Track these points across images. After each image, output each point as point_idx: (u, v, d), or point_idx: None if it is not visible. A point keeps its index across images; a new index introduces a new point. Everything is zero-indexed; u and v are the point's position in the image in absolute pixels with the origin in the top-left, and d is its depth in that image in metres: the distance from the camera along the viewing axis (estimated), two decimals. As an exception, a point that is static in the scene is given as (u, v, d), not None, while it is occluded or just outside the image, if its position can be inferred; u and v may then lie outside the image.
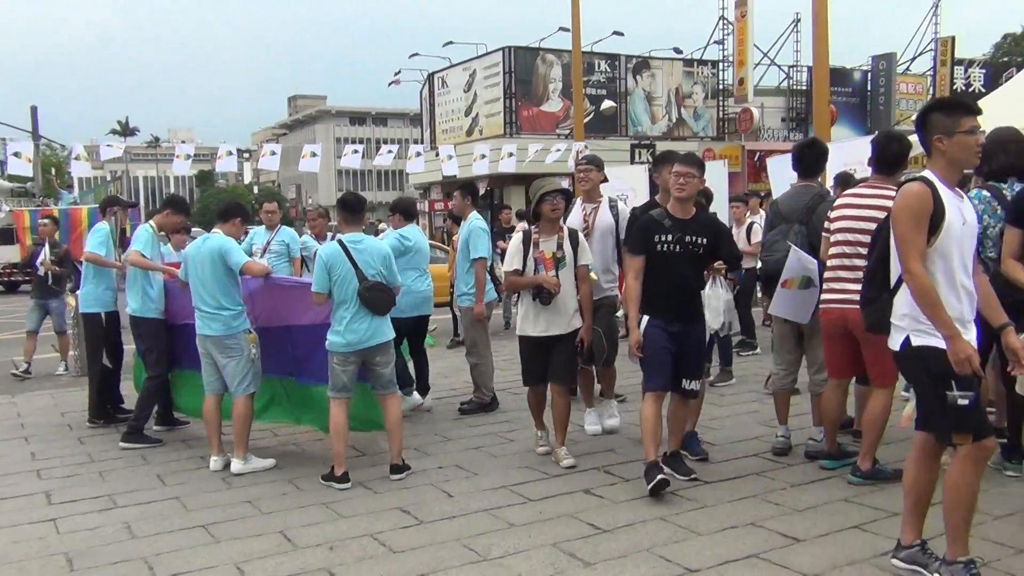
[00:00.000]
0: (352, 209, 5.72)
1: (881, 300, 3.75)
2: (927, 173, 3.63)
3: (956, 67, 38.38)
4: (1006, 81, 25.47)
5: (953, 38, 38.64)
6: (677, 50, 36.43)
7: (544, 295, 5.56)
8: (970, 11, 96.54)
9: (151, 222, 6.94)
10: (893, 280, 3.72)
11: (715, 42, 35.84)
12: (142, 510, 5.10)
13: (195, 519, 4.91)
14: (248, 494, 5.34)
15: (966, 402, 3.49)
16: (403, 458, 5.61)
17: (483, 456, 6.02)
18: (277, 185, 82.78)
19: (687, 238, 5.10)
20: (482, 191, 25.68)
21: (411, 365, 7.66)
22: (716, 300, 5.53)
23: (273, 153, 12.36)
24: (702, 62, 36.20)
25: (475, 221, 7.48)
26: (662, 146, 31.48)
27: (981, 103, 13.62)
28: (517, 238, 5.78)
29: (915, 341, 3.59)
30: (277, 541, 4.53)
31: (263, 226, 9.03)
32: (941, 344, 3.49)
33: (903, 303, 3.64)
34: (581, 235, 5.85)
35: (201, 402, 6.09)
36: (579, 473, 5.51)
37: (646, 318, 5.13)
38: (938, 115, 3.61)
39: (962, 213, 3.61)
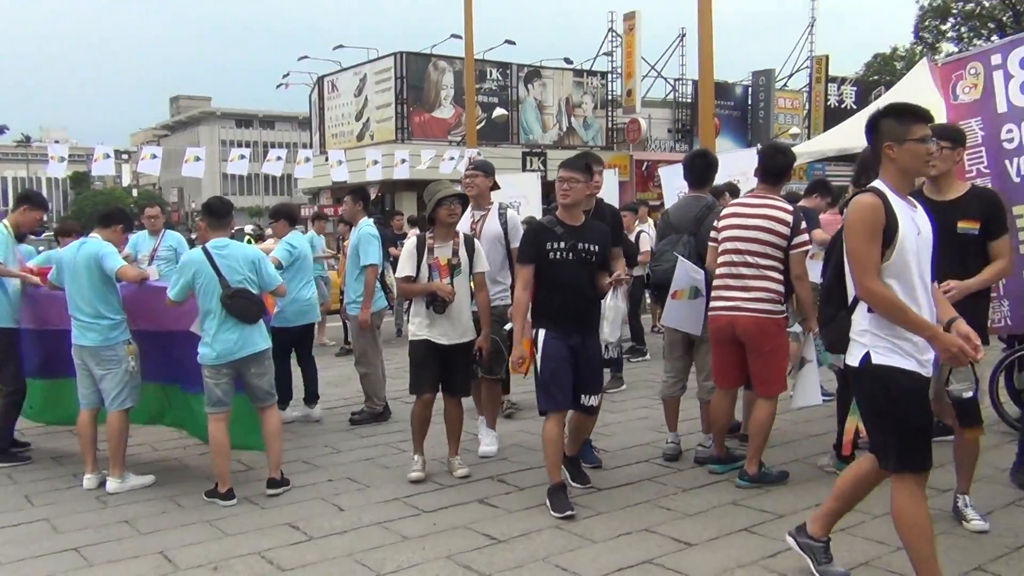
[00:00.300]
0: (218, 214, 5.52)
1: (839, 319, 3.58)
2: (878, 183, 3.45)
3: (830, 84, 40.15)
4: (875, 98, 26.86)
5: (827, 57, 40.44)
6: (567, 60, 36.96)
7: (438, 304, 5.38)
8: (843, 32, 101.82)
9: (5, 221, 6.46)
10: (851, 296, 3.51)
11: (604, 54, 36.57)
12: (8, 534, 4.77)
13: (66, 541, 4.62)
14: (125, 513, 5.06)
15: (970, 394, 3.49)
16: (282, 471, 5.41)
17: (375, 468, 5.89)
18: (158, 188, 79.75)
19: (580, 245, 4.91)
20: (372, 196, 25.34)
21: (295, 375, 7.48)
22: (615, 312, 5.38)
23: (154, 156, 11.90)
24: (592, 73, 36.82)
25: (366, 227, 7.32)
26: (553, 155, 31.94)
27: (854, 119, 14.22)
28: (411, 243, 5.60)
29: (876, 359, 3.37)
30: (156, 562, 4.31)
31: (145, 231, 8.67)
32: (904, 364, 3.34)
33: (862, 319, 3.44)
34: (477, 242, 5.72)
35: (73, 411, 5.76)
36: (473, 483, 5.45)
37: (543, 332, 4.96)
38: (889, 121, 3.44)
39: (916, 223, 3.42)
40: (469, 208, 6.18)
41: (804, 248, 5.19)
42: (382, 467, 5.89)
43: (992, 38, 31.50)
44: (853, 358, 3.46)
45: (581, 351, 4.94)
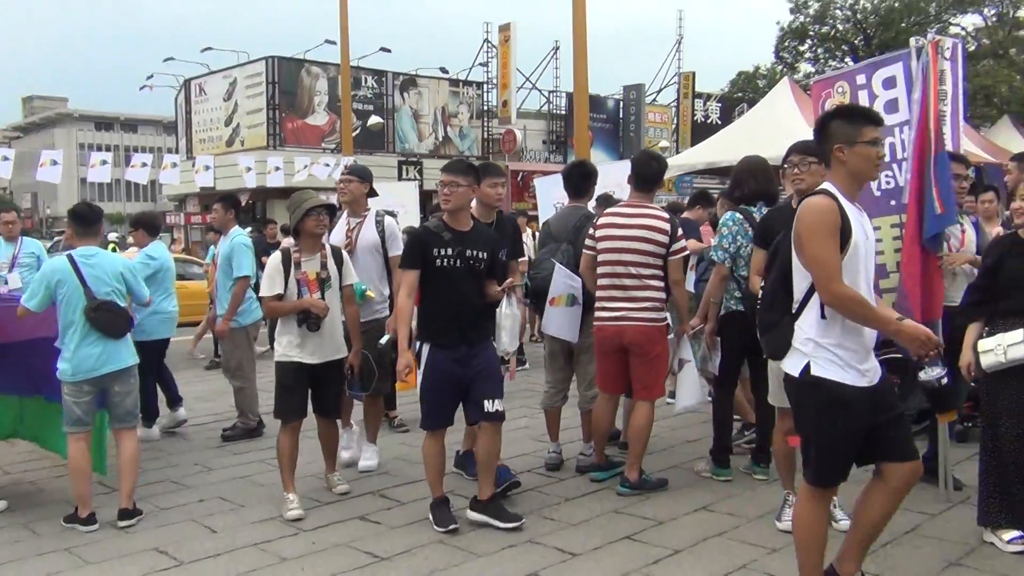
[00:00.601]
0: (87, 221, 5.20)
1: (783, 325, 3.43)
2: (827, 186, 3.34)
3: (696, 100, 41.59)
4: (739, 115, 27.97)
5: (693, 73, 41.86)
6: (443, 70, 36.98)
7: (312, 321, 5.09)
8: (709, 50, 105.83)
9: None
10: (797, 300, 3.38)
11: (480, 64, 36.81)
12: None
13: (-96, 578, 4.24)
14: (-28, 544, 4.69)
15: (946, 380, 3.48)
16: (135, 502, 5.02)
17: (250, 486, 5.66)
18: (9, 193, 75.04)
19: (468, 252, 4.72)
20: (243, 204, 24.58)
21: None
22: (512, 320, 5.18)
23: (5, 159, 11.12)
24: (467, 83, 36.96)
25: (239, 237, 7.06)
26: (429, 164, 31.82)
27: (719, 135, 14.80)
28: (275, 259, 5.24)
29: (816, 370, 3.27)
30: (9, 597, 4.00)
31: (0, 238, 8.14)
32: (843, 377, 3.26)
33: (808, 326, 3.32)
34: (345, 253, 5.50)
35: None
36: (353, 499, 5.31)
37: (427, 347, 4.76)
38: (839, 123, 3.35)
39: (864, 229, 3.33)
40: (344, 216, 6.00)
41: (683, 254, 5.31)
42: (257, 485, 5.67)
43: (846, 60, 33.33)
44: (793, 367, 3.37)
45: (471, 361, 4.73)
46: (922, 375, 3.59)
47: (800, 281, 3.37)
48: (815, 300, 3.31)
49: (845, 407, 3.26)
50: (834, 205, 3.23)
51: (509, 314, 5.16)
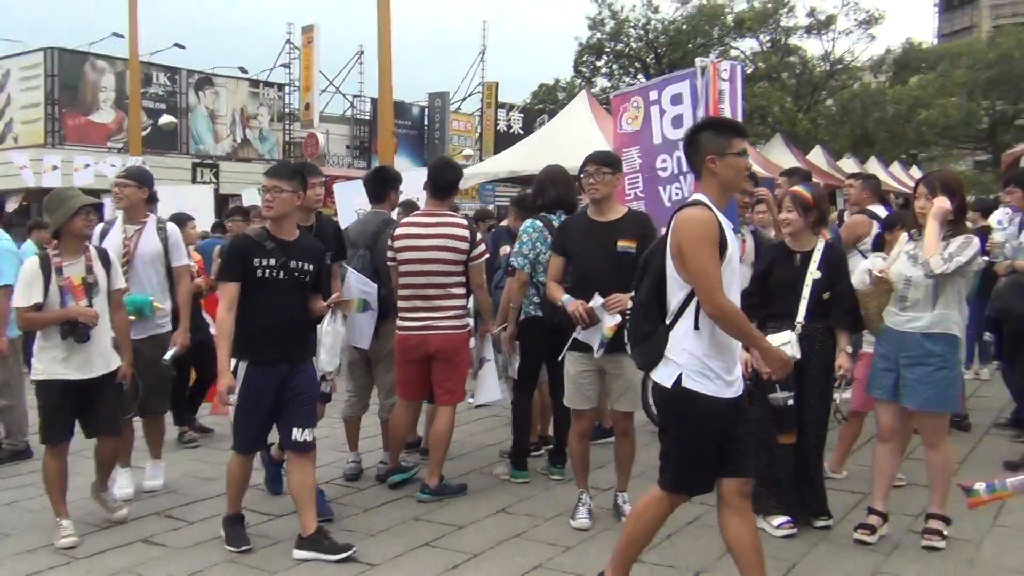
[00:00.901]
0: None
1: (657, 335, 3.40)
2: (701, 197, 3.36)
3: (499, 110, 42.38)
4: (539, 125, 28.77)
5: (496, 84, 42.58)
6: (242, 70, 35.60)
7: (80, 331, 4.60)
8: (512, 62, 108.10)
9: None
10: (672, 311, 3.38)
11: (281, 65, 35.72)
12: None
13: None
14: None
15: (791, 402, 3.58)
16: None
17: (17, 513, 5.18)
18: None
19: (292, 263, 4.41)
20: (15, 206, 22.63)
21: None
22: (333, 338, 4.95)
23: None
24: (268, 84, 35.78)
25: (2, 241, 6.45)
26: (226, 166, 30.62)
27: (520, 144, 15.12)
28: (33, 263, 4.67)
29: (687, 382, 3.29)
30: None
31: None
32: (710, 389, 3.30)
33: (683, 336, 3.33)
34: (112, 254, 5.03)
35: None
36: (136, 521, 4.96)
37: (244, 364, 4.42)
38: (709, 135, 3.40)
39: (734, 240, 3.37)
40: (119, 222, 5.56)
41: (483, 258, 5.36)
42: (26, 511, 5.19)
43: (638, 76, 35.10)
44: (665, 378, 3.36)
45: (289, 381, 4.45)
46: (771, 396, 3.81)
47: (675, 292, 3.37)
48: (690, 311, 3.33)
49: (713, 419, 3.32)
50: (713, 216, 3.27)
51: (331, 331, 4.92)
